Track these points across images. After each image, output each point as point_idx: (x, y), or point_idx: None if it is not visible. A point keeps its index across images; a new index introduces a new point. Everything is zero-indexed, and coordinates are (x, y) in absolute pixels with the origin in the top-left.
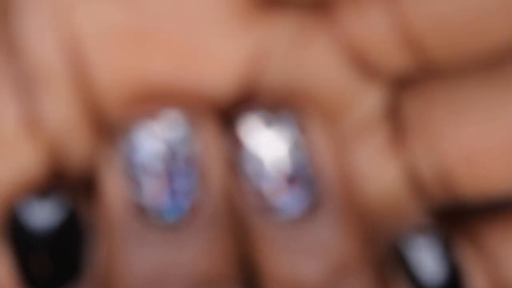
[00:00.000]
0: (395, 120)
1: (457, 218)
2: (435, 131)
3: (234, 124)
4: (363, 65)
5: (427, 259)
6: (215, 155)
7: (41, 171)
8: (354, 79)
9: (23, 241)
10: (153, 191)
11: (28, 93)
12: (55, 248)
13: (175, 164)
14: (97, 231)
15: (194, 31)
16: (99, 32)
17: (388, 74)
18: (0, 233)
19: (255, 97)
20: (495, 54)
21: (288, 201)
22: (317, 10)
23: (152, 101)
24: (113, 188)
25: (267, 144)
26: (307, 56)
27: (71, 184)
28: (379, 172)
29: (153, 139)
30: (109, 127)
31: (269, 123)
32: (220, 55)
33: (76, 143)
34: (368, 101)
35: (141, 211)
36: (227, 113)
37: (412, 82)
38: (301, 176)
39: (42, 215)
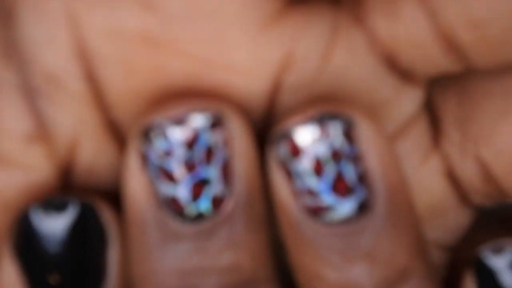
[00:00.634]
0: (430, 116)
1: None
2: (473, 125)
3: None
4: (397, 66)
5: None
6: (245, 147)
7: (52, 177)
8: (389, 79)
9: (36, 252)
10: (174, 183)
11: (39, 101)
12: (72, 256)
13: (197, 155)
14: (117, 234)
15: (217, 34)
16: (110, 37)
17: (424, 74)
18: (10, 242)
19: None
20: None
21: (338, 202)
22: (350, 9)
23: (172, 102)
24: (135, 184)
25: (317, 143)
26: (341, 56)
27: (84, 189)
28: (420, 171)
29: (176, 132)
30: (124, 130)
31: (318, 124)
32: (247, 60)
33: (88, 149)
34: (405, 100)
35: (164, 206)
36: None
37: (446, 77)
38: (350, 178)
39: (56, 222)
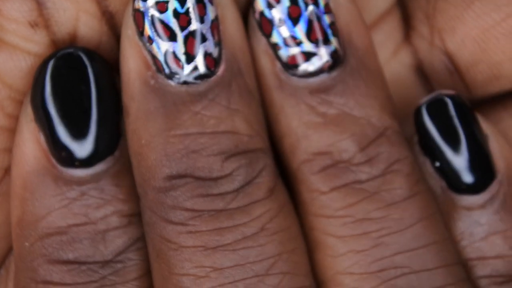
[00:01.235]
0: (403, 10)
1: None
2: (442, 18)
3: None
4: None
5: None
6: (233, 14)
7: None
8: None
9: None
10: (170, 54)
11: None
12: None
13: (189, 9)
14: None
15: None
16: None
17: None
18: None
19: None
20: None
21: (313, 49)
22: None
23: None
24: (130, 61)
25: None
26: None
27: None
28: (391, 62)
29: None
30: (118, 21)
31: None
32: None
33: (86, 37)
34: None
35: (160, 83)
36: None
37: None
38: (323, 27)
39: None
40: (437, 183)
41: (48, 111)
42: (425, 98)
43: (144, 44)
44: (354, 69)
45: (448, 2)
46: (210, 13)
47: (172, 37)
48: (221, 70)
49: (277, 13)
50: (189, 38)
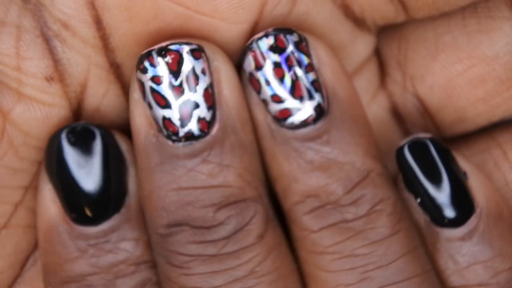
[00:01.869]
0: (378, 60)
1: None
2: (412, 66)
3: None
4: (351, 13)
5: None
6: (229, 77)
7: (67, 113)
8: (345, 24)
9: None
10: (167, 119)
11: (56, 45)
12: (104, 174)
13: (183, 80)
14: (132, 159)
15: None
16: None
17: (373, 22)
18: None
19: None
20: (470, 2)
21: (298, 105)
22: None
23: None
24: (137, 119)
25: (274, 50)
26: (304, 2)
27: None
28: (371, 106)
29: (160, 57)
30: (126, 72)
31: (274, 35)
32: (229, 7)
33: (96, 88)
34: (359, 44)
35: (161, 130)
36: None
37: (390, 28)
38: (306, 84)
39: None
40: (421, 216)
41: (60, 177)
42: (406, 140)
43: (147, 107)
44: (338, 120)
45: (416, 52)
46: (203, 82)
47: (167, 105)
48: (214, 130)
49: (264, 74)
50: (183, 106)
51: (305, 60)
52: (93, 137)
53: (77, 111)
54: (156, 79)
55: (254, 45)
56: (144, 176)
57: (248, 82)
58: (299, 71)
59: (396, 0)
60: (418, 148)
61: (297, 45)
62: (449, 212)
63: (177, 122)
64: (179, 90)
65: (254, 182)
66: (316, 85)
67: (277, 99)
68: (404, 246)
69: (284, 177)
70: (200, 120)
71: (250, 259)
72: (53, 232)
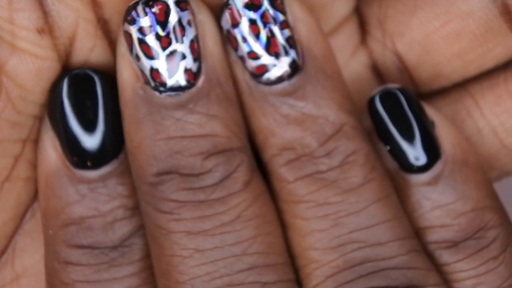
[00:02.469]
0: (359, 16)
1: None
2: (392, 24)
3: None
4: None
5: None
6: (213, 31)
7: (56, 65)
8: None
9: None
10: (154, 70)
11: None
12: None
13: (170, 30)
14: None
15: None
16: None
17: None
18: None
19: None
20: None
21: (273, 61)
22: None
23: None
24: (124, 73)
25: (250, 7)
26: None
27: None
28: (350, 63)
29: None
30: (112, 27)
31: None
32: None
33: (83, 42)
34: (338, 3)
35: (148, 82)
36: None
37: None
38: (280, 40)
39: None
40: (391, 164)
41: (63, 122)
42: (376, 90)
43: (134, 60)
44: (312, 76)
45: (396, 10)
46: (189, 34)
47: (155, 56)
48: (200, 81)
49: (240, 31)
50: (170, 56)
51: (280, 17)
52: (93, 84)
53: (65, 65)
54: (143, 30)
55: (231, 2)
56: (133, 127)
57: (226, 39)
58: (274, 28)
59: None
60: (387, 98)
61: (272, 2)
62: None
63: (164, 72)
64: (166, 41)
65: (239, 133)
66: (291, 41)
67: (253, 55)
68: (376, 194)
69: (262, 131)
70: (186, 71)
71: (237, 204)
72: (54, 177)
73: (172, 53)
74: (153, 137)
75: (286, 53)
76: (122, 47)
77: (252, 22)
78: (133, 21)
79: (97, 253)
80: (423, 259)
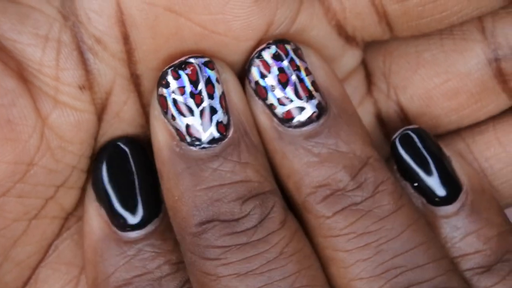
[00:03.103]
0: (366, 69)
1: None
2: (396, 78)
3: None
4: (344, 32)
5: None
6: (236, 87)
7: (94, 118)
8: (337, 41)
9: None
10: (190, 126)
11: (89, 57)
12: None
13: (202, 89)
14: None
15: (221, 6)
16: (143, 7)
17: (362, 40)
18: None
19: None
20: (447, 26)
21: (302, 105)
22: None
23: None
24: (159, 134)
25: (278, 58)
26: (302, 19)
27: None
28: (356, 105)
29: (186, 81)
30: (144, 82)
31: (275, 44)
32: (242, 27)
33: (117, 96)
34: (348, 57)
35: (184, 149)
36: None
37: (377, 43)
38: (307, 85)
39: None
40: (418, 200)
41: (106, 191)
42: (396, 134)
43: (169, 121)
44: (336, 115)
45: (400, 66)
46: (217, 90)
47: (190, 113)
48: (231, 133)
49: (269, 81)
50: (203, 112)
51: (304, 64)
52: (126, 157)
53: (101, 116)
54: (179, 90)
55: (260, 56)
56: (173, 183)
57: (253, 92)
58: (301, 74)
59: (384, 23)
60: (406, 140)
61: (295, 52)
62: (441, 192)
63: (199, 127)
64: (199, 98)
65: (268, 177)
66: (315, 86)
67: (285, 100)
68: (408, 218)
69: (296, 173)
70: (218, 124)
71: (278, 241)
72: (103, 243)
73: (205, 108)
74: (193, 188)
75: (312, 97)
76: (156, 110)
77: (281, 70)
78: (167, 84)
79: None
80: (459, 278)
